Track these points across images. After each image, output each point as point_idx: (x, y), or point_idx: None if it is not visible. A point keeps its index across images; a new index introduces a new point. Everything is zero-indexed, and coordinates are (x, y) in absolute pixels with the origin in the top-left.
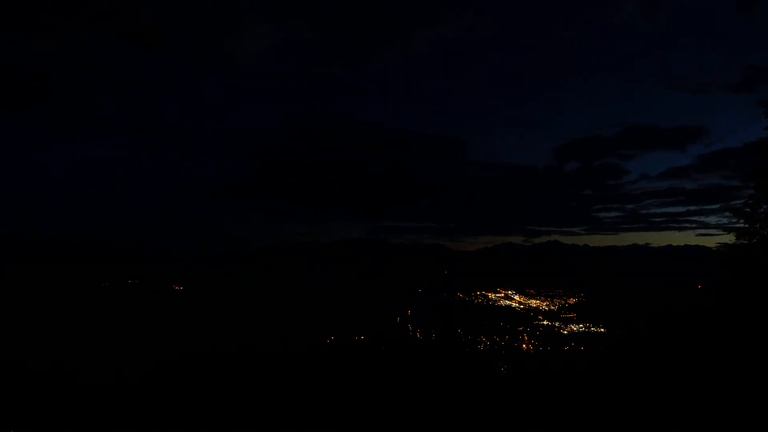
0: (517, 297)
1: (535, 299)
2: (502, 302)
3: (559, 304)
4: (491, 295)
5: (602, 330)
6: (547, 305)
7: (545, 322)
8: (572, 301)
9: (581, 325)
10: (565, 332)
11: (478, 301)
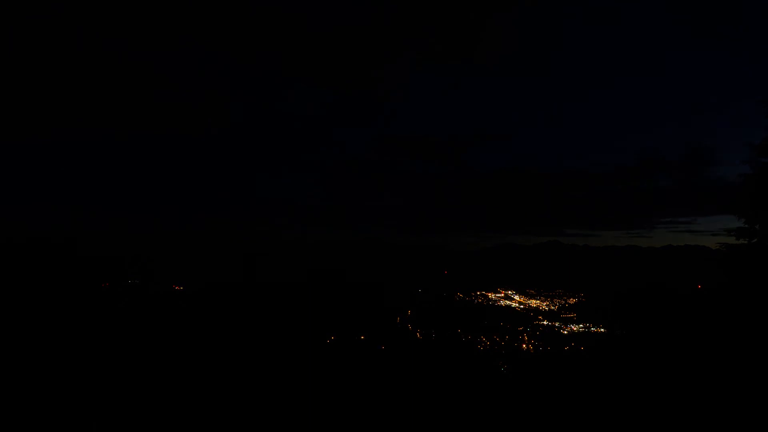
0: (517, 297)
1: (535, 299)
2: (502, 302)
3: (559, 304)
4: (491, 295)
5: (602, 330)
6: (547, 305)
7: (545, 322)
8: (572, 301)
9: (581, 325)
10: (565, 332)
11: (478, 301)
